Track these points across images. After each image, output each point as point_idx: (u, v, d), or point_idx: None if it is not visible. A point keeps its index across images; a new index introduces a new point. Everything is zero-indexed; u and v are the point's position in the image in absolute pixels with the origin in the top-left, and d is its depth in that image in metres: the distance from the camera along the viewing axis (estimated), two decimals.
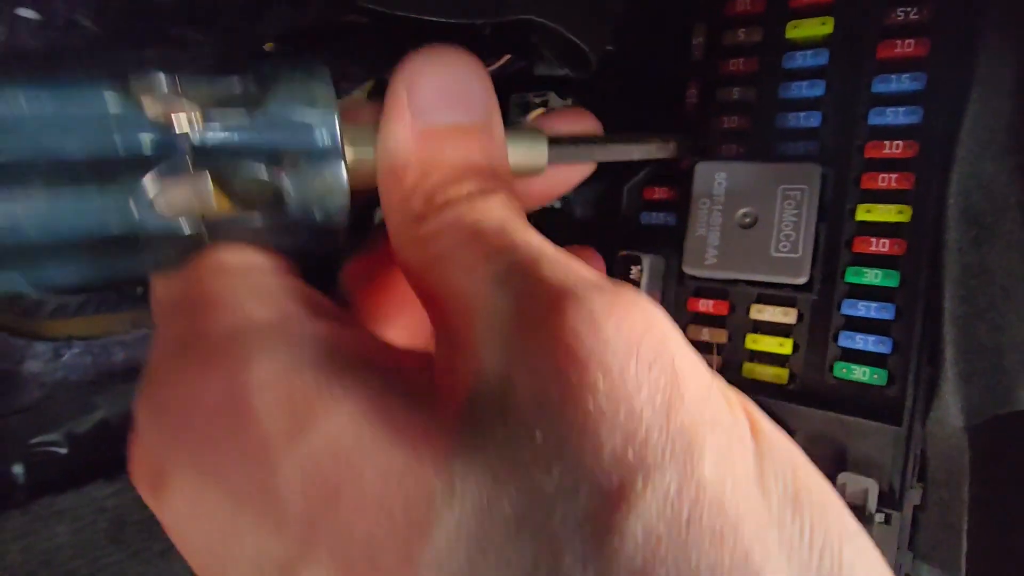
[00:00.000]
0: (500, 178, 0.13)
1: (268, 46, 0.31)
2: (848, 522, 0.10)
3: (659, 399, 0.09)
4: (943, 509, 0.20)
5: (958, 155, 0.19)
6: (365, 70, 0.35)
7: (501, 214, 0.12)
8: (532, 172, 0.16)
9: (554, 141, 0.16)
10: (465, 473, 0.10)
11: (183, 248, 0.12)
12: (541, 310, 0.10)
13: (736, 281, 0.22)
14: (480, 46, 0.26)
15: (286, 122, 0.12)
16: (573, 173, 0.18)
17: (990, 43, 0.19)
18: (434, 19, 0.19)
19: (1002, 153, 0.19)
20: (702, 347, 0.23)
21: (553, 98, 0.26)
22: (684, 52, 0.23)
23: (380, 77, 0.35)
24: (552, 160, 0.16)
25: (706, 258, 0.21)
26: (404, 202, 0.13)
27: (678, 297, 0.23)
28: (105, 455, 0.27)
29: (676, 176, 0.23)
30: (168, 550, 0.26)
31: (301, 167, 0.12)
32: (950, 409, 0.20)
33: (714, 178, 0.21)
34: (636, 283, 0.23)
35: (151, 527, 0.26)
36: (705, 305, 0.23)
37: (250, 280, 0.13)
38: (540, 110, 0.26)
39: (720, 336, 0.23)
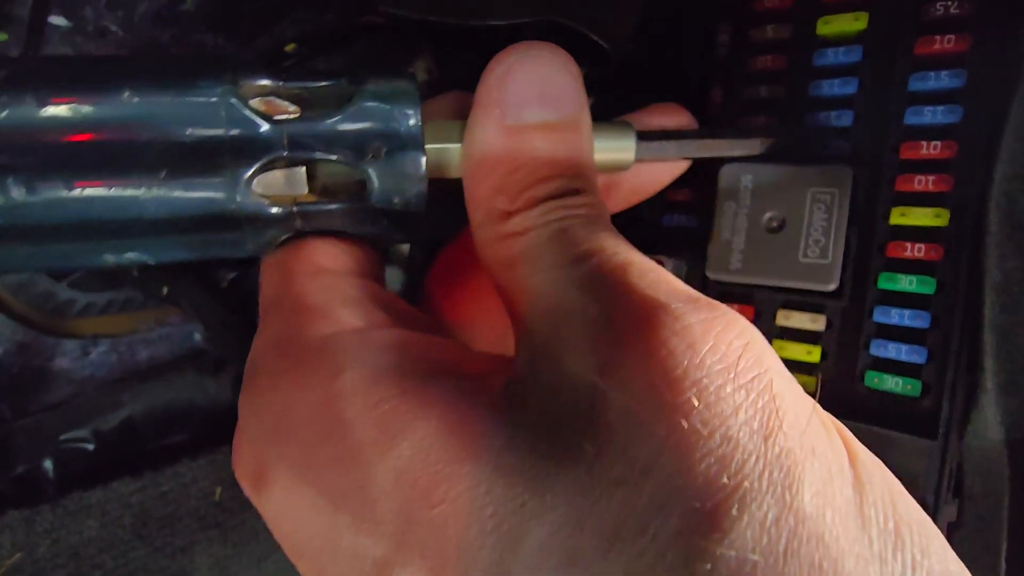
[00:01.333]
0: (585, 177, 0.13)
1: (289, 47, 0.31)
2: (951, 558, 0.10)
3: (757, 423, 0.09)
4: (981, 526, 0.19)
5: (1001, 156, 0.18)
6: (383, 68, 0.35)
7: (586, 214, 0.12)
8: (619, 168, 0.16)
9: (643, 136, 0.16)
10: (555, 487, 0.10)
11: (277, 230, 0.14)
12: (633, 321, 0.10)
13: (764, 287, 0.21)
14: (497, 47, 0.26)
15: (372, 116, 0.13)
16: (663, 171, 0.18)
17: None
18: (452, 21, 0.19)
19: None
20: None
21: None
22: (708, 50, 0.23)
23: None
24: (640, 155, 0.16)
25: (731, 263, 0.21)
26: (489, 198, 0.13)
27: None
28: (130, 452, 0.28)
29: (700, 177, 0.23)
30: (189, 546, 0.27)
31: (384, 157, 0.13)
32: (989, 421, 0.19)
33: (740, 180, 0.21)
34: None
35: (173, 523, 0.26)
36: None
37: (341, 286, 0.14)
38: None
39: None
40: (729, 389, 0.09)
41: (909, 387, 0.19)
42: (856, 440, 0.11)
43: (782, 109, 0.21)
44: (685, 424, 0.09)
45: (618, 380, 0.10)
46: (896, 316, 0.19)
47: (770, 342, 0.21)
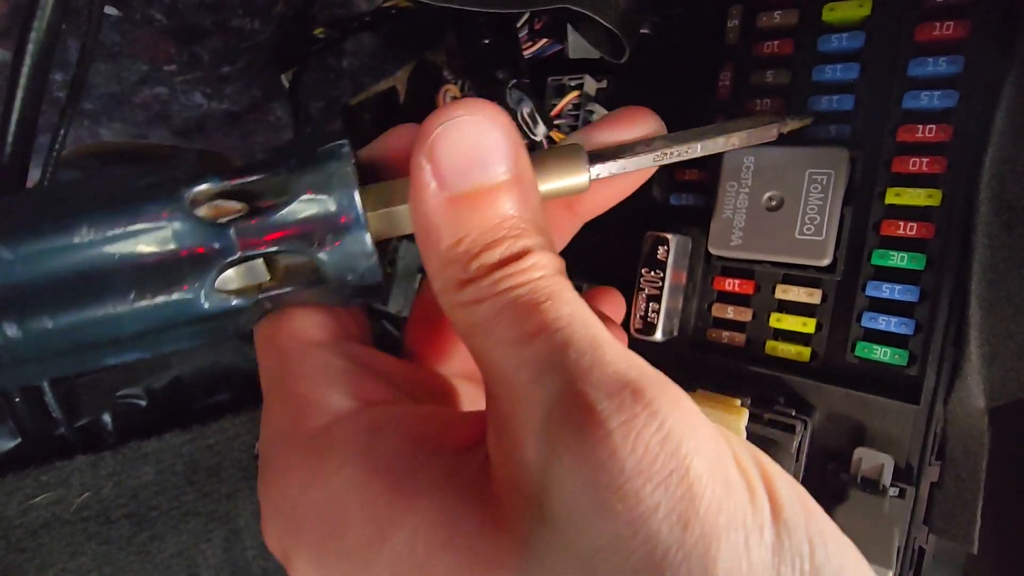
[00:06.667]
0: (533, 231, 0.13)
1: (318, 31, 0.32)
2: None
3: (675, 516, 0.10)
4: (960, 486, 0.20)
5: (992, 139, 0.19)
6: (408, 51, 0.36)
7: (533, 279, 0.13)
8: (576, 192, 0.16)
9: (597, 155, 0.16)
10: (518, 575, 0.11)
11: (250, 316, 0.15)
12: (567, 425, 0.11)
13: (762, 262, 0.22)
14: (516, 32, 0.27)
15: (311, 207, 0.14)
16: (629, 180, 0.17)
17: None
18: (473, 8, 0.20)
19: None
20: (728, 324, 0.24)
21: (588, 81, 0.27)
22: (719, 35, 0.24)
23: (422, 57, 0.36)
24: (596, 175, 0.16)
25: (732, 239, 0.22)
26: (442, 269, 0.13)
27: (705, 276, 0.24)
28: (179, 407, 0.30)
29: (706, 158, 0.24)
30: (233, 493, 0.29)
31: (330, 242, 0.14)
32: (972, 390, 0.20)
33: (742, 162, 0.22)
34: (663, 263, 0.23)
35: (219, 472, 0.29)
36: (731, 284, 0.24)
37: (329, 362, 0.15)
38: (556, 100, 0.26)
39: (744, 314, 0.23)
40: (648, 489, 0.10)
41: (897, 357, 0.21)
42: (785, 487, 0.12)
43: (787, 93, 0.22)
44: (613, 527, 0.10)
45: (557, 483, 0.11)
46: (887, 290, 0.21)
47: (769, 315, 0.23)
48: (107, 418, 0.29)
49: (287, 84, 0.34)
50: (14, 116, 0.18)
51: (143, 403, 0.30)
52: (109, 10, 0.25)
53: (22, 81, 0.18)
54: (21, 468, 0.25)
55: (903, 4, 0.20)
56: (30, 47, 0.18)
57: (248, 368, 0.32)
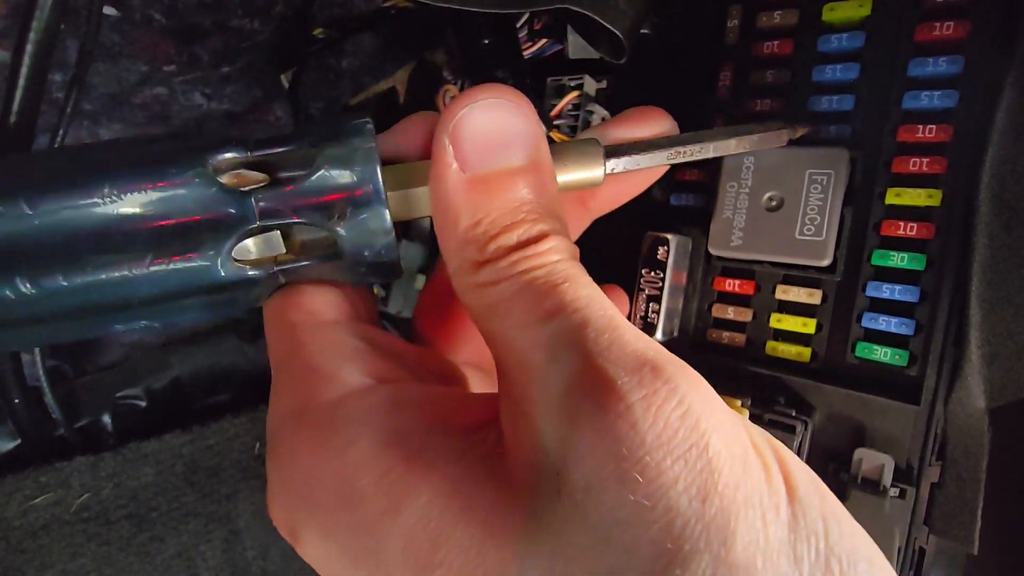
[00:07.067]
0: (550, 216, 0.13)
1: (318, 31, 0.32)
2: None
3: (695, 489, 0.10)
4: (960, 486, 0.20)
5: (993, 139, 0.19)
6: (408, 51, 0.36)
7: (551, 262, 0.13)
8: (590, 185, 0.16)
9: (612, 150, 0.16)
10: (531, 550, 0.11)
11: (263, 289, 0.15)
12: (587, 400, 0.11)
13: (762, 262, 0.22)
14: (515, 33, 0.27)
15: (333, 180, 0.14)
16: (640, 177, 0.18)
17: None
18: (473, 9, 0.20)
19: None
20: (728, 325, 0.24)
21: (588, 81, 0.27)
22: (719, 35, 0.24)
23: (422, 57, 0.36)
24: (611, 170, 0.16)
25: (732, 240, 0.22)
26: (459, 250, 0.13)
27: (705, 276, 0.24)
28: (179, 408, 0.30)
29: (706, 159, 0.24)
30: (233, 493, 0.29)
31: (350, 216, 0.14)
32: (972, 390, 0.20)
33: (742, 162, 0.22)
34: (663, 263, 0.23)
35: (218, 472, 0.29)
36: (731, 284, 0.24)
37: (341, 339, 0.15)
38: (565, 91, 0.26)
39: (745, 315, 0.23)
40: (668, 462, 0.10)
41: (897, 357, 0.21)
42: (798, 469, 0.12)
43: (787, 94, 0.22)
44: (632, 498, 0.10)
45: (576, 456, 0.11)
46: (887, 291, 0.21)
47: (769, 315, 0.23)
48: (107, 419, 0.29)
49: (287, 84, 0.34)
50: (13, 117, 0.18)
51: (143, 404, 0.30)
52: (108, 10, 0.25)
53: (21, 81, 0.18)
54: (21, 469, 0.25)
55: (903, 4, 0.20)
56: (29, 47, 0.18)
57: (248, 368, 0.32)
